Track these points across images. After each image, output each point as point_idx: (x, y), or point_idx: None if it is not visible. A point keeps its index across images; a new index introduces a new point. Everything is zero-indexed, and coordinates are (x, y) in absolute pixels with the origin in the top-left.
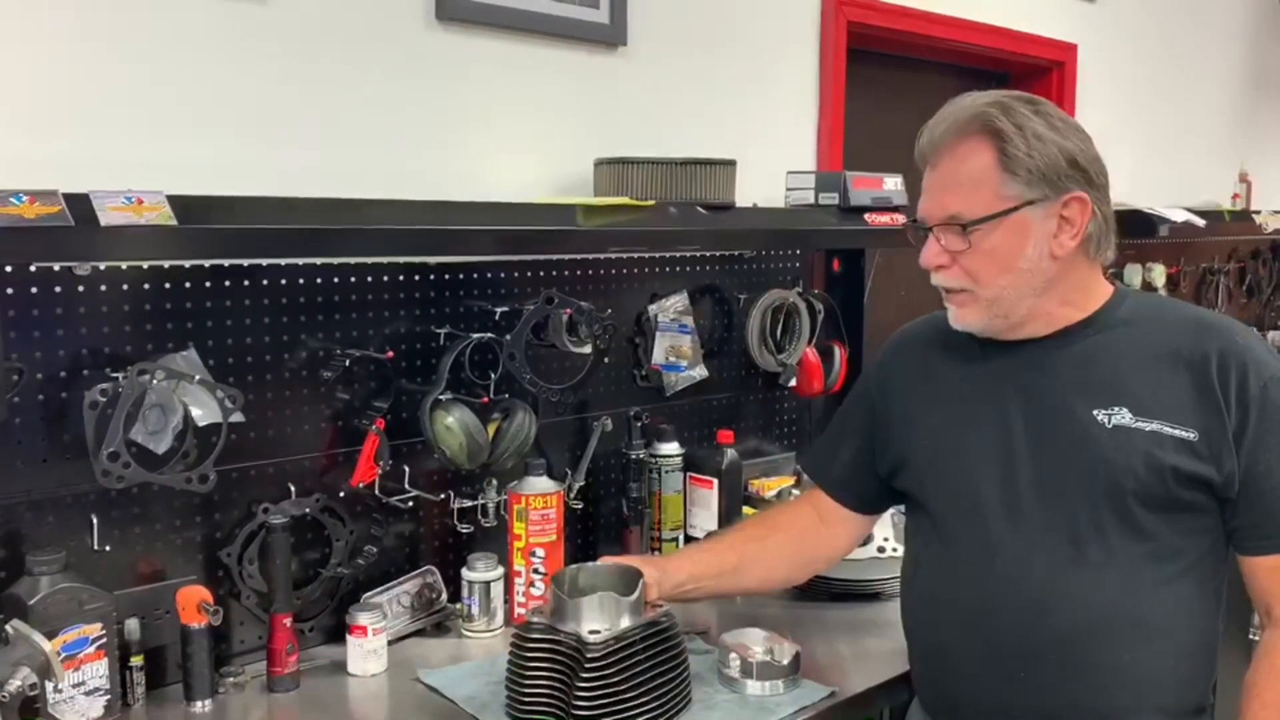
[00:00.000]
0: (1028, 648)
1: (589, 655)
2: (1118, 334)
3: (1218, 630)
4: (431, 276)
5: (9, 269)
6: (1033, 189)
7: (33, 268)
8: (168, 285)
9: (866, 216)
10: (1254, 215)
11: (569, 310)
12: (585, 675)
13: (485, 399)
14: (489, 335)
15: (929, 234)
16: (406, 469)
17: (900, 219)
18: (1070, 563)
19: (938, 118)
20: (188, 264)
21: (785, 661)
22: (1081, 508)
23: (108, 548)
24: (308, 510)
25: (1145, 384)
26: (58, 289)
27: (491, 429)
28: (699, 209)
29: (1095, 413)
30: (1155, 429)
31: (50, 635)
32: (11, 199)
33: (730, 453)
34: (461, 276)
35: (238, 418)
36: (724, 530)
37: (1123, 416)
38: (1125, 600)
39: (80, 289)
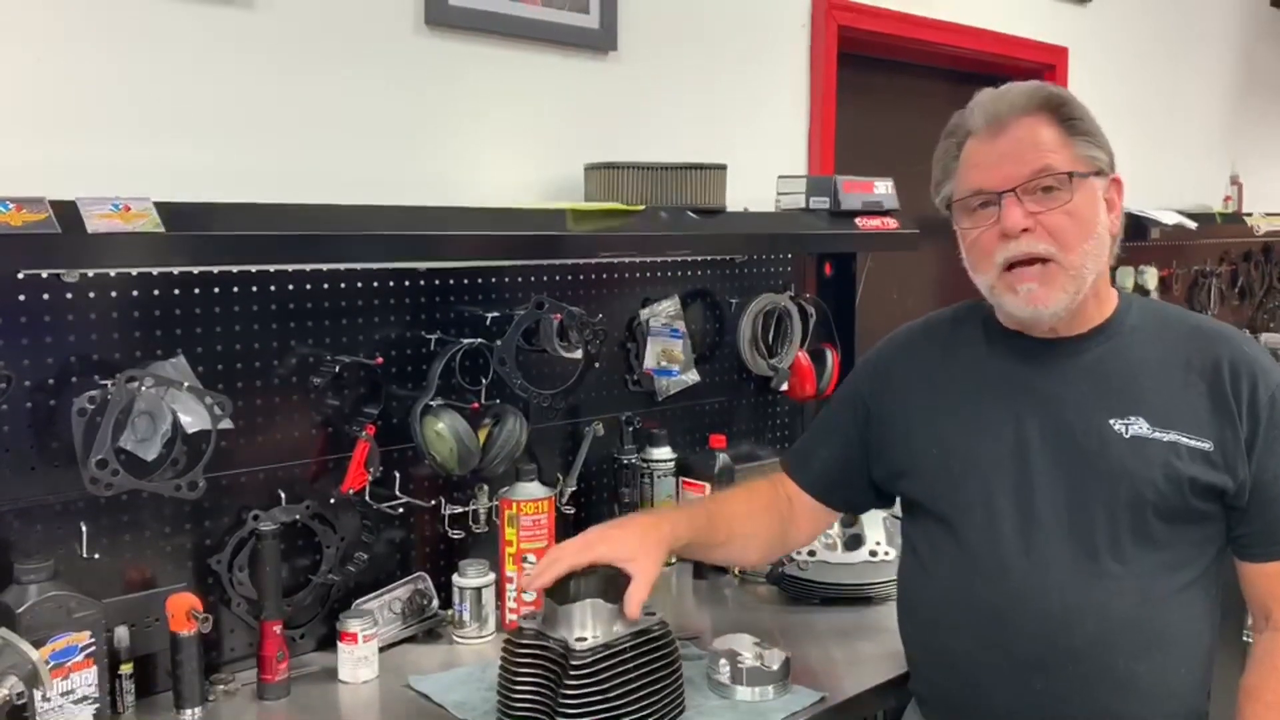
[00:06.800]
0: (1044, 658)
1: (574, 663)
2: (1128, 341)
3: (1217, 637)
4: (421, 282)
5: None
6: (1100, 158)
7: (20, 275)
8: (156, 292)
9: (857, 220)
10: (1245, 218)
11: (559, 315)
12: (570, 683)
13: (476, 405)
14: (479, 341)
15: (998, 204)
16: (397, 475)
17: (891, 223)
18: (1088, 574)
19: (991, 96)
20: (176, 271)
21: (775, 667)
22: (1100, 518)
23: (96, 555)
24: (298, 517)
25: (1160, 393)
26: (45, 296)
27: (482, 435)
28: (689, 213)
29: (1112, 422)
30: (1173, 439)
31: (39, 644)
32: None
33: (722, 457)
34: (451, 282)
35: (227, 424)
36: (715, 497)
37: (1140, 427)
38: (1142, 611)
39: (68, 296)
